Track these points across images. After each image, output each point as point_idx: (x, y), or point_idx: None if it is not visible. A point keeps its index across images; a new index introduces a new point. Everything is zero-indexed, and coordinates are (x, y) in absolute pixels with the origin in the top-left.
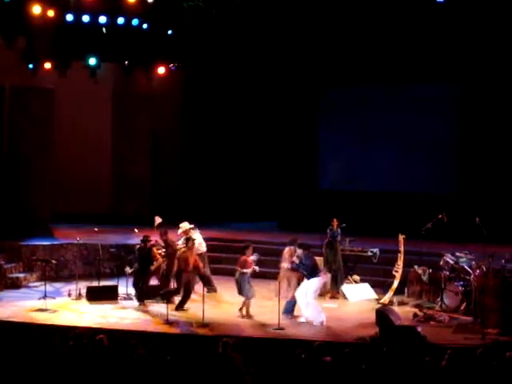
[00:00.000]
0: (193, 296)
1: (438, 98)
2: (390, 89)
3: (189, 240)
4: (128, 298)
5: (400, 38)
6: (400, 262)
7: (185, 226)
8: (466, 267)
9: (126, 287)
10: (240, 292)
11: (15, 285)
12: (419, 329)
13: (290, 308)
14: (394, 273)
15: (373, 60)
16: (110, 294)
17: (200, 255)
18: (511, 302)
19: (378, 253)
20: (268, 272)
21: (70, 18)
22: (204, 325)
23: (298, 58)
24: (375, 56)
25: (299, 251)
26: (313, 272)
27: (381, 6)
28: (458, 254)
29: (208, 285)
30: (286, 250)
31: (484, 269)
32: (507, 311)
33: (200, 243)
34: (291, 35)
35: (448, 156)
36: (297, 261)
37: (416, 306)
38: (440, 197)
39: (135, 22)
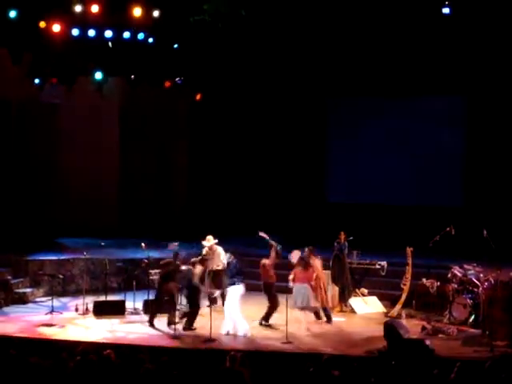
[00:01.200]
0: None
1: (445, 111)
2: (397, 101)
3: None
4: (135, 312)
5: (408, 50)
6: (408, 275)
7: (210, 238)
8: (474, 280)
9: (133, 302)
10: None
11: (22, 300)
12: (427, 342)
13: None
14: (401, 286)
15: (381, 72)
16: (117, 309)
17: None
18: None
19: (385, 266)
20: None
21: (75, 32)
22: (211, 340)
23: (305, 70)
24: (383, 68)
25: (230, 256)
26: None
27: (389, 18)
28: (466, 266)
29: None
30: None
31: (492, 281)
32: None
33: (223, 258)
34: (299, 47)
35: (455, 169)
36: (225, 265)
37: (424, 318)
38: (447, 209)
39: (141, 36)
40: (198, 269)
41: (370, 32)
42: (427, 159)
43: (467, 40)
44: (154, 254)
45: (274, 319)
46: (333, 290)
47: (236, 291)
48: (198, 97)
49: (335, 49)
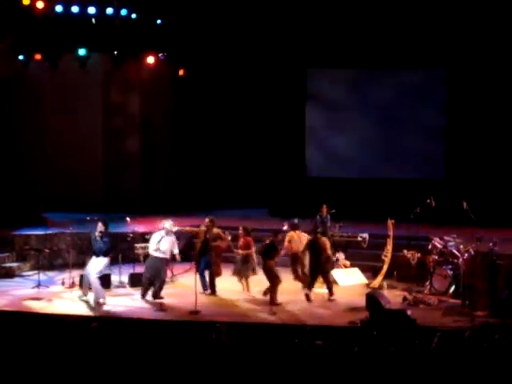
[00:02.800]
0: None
1: (425, 84)
2: (377, 74)
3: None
4: (121, 285)
5: (388, 23)
6: (389, 247)
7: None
8: (454, 251)
9: (119, 275)
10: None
11: (9, 274)
12: (409, 312)
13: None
14: (383, 257)
15: (360, 45)
16: (103, 282)
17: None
18: (499, 285)
19: (367, 238)
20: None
21: (59, 8)
22: (196, 311)
23: (285, 44)
24: (364, 40)
25: (101, 227)
26: (106, 252)
27: None
28: (446, 238)
29: None
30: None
31: (472, 252)
32: (495, 294)
33: None
34: (280, 18)
35: (436, 142)
36: (98, 235)
37: (405, 289)
38: (428, 182)
39: (124, 12)
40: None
41: (350, 3)
42: (407, 132)
43: (446, 12)
44: (139, 229)
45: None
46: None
47: (104, 262)
48: (181, 72)
49: (316, 21)
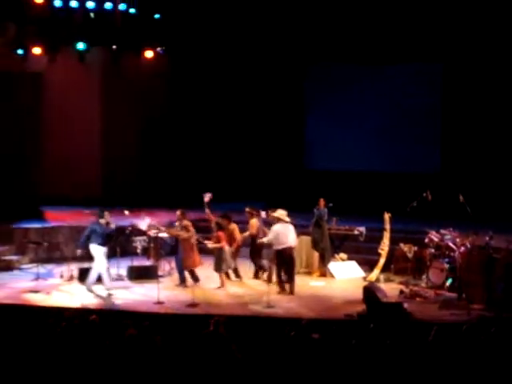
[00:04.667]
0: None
1: (421, 78)
2: (374, 68)
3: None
4: (119, 278)
5: (385, 17)
6: (386, 240)
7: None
8: (450, 244)
9: (117, 268)
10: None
11: (8, 267)
12: (405, 305)
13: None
14: (380, 251)
15: (358, 39)
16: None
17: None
18: (495, 278)
19: (364, 231)
20: None
21: (58, 3)
22: (194, 304)
23: (284, 37)
24: (361, 35)
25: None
26: (104, 241)
27: None
28: (442, 231)
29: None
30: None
31: (468, 246)
32: (491, 287)
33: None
34: (278, 13)
35: (431, 135)
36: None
37: (402, 282)
38: (424, 175)
39: (123, 6)
40: None
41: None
42: (403, 126)
43: (442, 6)
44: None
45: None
46: (313, 256)
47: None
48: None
49: (314, 15)
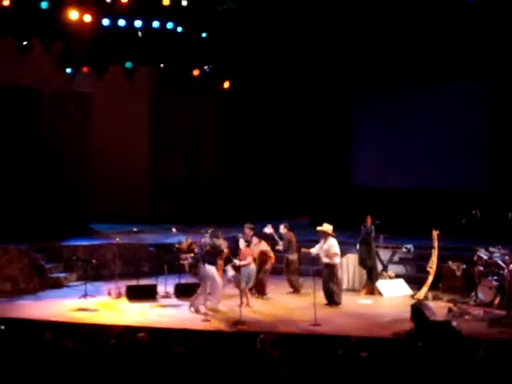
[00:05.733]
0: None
1: (471, 95)
2: (423, 86)
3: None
4: (167, 296)
5: (432, 36)
6: (434, 258)
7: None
8: (499, 262)
9: (164, 286)
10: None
11: (56, 284)
12: (454, 323)
13: None
14: (428, 268)
15: (406, 59)
16: (149, 293)
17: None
18: None
19: (412, 249)
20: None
21: (106, 22)
22: (240, 322)
23: (331, 54)
24: (408, 55)
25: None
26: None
27: (415, 5)
28: (491, 249)
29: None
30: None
31: None
32: None
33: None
34: (325, 35)
35: (480, 152)
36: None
37: (450, 300)
38: (473, 193)
39: (170, 25)
40: None
41: (395, 19)
42: (452, 143)
43: (491, 25)
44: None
45: (298, 302)
46: (360, 273)
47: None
48: (227, 85)
49: (361, 36)
